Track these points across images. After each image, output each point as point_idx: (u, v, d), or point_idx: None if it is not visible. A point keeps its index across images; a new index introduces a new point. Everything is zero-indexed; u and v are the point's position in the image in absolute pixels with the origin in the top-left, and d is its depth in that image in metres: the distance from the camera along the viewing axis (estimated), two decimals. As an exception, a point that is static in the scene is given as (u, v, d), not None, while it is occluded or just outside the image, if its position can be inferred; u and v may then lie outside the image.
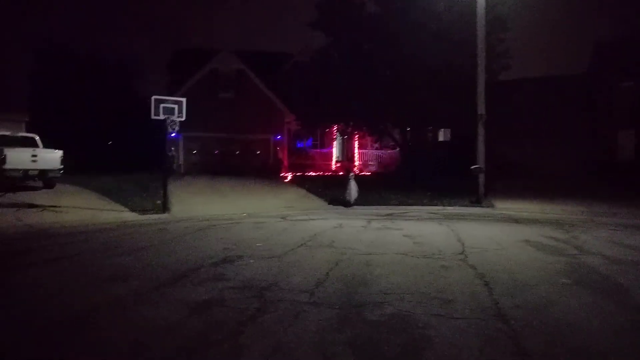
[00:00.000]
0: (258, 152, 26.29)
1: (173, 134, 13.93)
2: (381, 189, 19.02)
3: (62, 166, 16.26)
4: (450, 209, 15.18)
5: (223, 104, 25.35)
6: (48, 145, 17.52)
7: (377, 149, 30.37)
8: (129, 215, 13.44)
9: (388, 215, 13.20)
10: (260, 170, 24.12)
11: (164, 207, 14.20)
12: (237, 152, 26.07)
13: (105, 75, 31.12)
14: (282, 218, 12.48)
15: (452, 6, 21.17)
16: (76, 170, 24.81)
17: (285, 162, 26.19)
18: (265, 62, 28.46)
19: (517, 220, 11.86)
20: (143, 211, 14.04)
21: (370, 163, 29.27)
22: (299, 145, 28.76)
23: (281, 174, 23.81)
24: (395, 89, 20.41)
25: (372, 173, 26.70)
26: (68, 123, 29.75)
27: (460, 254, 7.12)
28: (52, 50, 32.13)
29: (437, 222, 11.31)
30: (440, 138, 30.69)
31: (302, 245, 7.96)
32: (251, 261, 6.78)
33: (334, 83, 21.09)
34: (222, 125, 25.30)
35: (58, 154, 16.15)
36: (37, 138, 17.12)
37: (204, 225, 11.08)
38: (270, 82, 26.69)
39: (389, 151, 29.91)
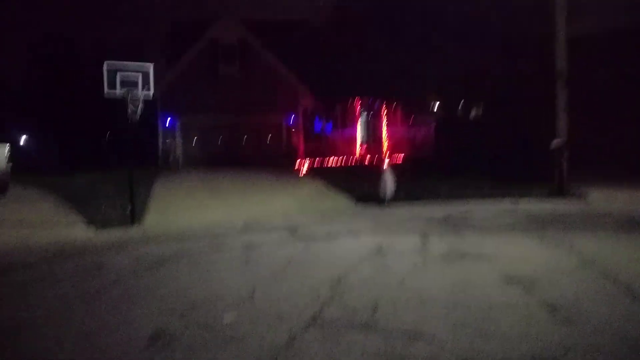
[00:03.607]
0: (269, 138, 22.25)
1: (137, 116, 10.01)
2: (422, 176, 14.83)
3: (9, 164, 12.61)
4: (527, 204, 10.90)
5: (225, 81, 21.33)
6: (35, 141, 14.04)
7: (408, 127, 25.94)
8: (79, 233, 9.64)
9: (445, 219, 9.03)
10: (271, 159, 20.15)
11: (132, 218, 10.35)
12: (244, 140, 22.07)
13: (97, 63, 27.35)
14: (290, 232, 8.46)
15: None
16: (62, 167, 21.40)
17: (301, 149, 22.10)
18: (274, 31, 24.16)
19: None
20: (104, 224, 10.24)
21: (402, 144, 24.87)
22: (317, 126, 24.58)
23: (296, 164, 19.79)
24: (437, 46, 16.03)
25: (406, 156, 22.37)
26: (58, 116, 26.39)
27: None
28: (44, 42, 28.61)
29: (533, 233, 7.12)
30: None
31: (312, 321, 3.90)
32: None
33: (359, 41, 16.79)
34: (225, 108, 21.32)
35: (2, 149, 12.47)
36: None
37: (169, 253, 7.16)
38: (281, 54, 22.48)
39: (424, 130, 25.43)
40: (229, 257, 6.68)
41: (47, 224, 10.40)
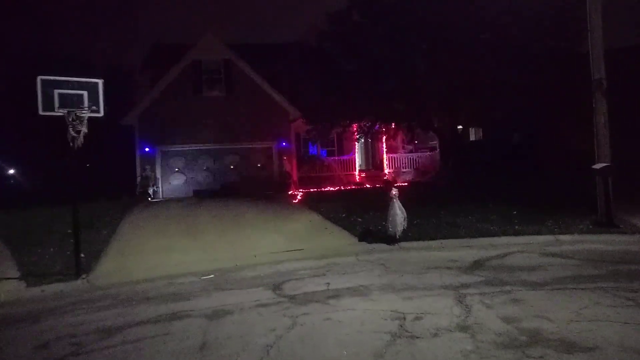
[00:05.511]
0: (259, 165, 20.16)
1: (80, 142, 7.95)
2: (433, 206, 12.71)
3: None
4: (574, 241, 8.78)
5: (209, 104, 19.40)
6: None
7: (410, 151, 23.95)
8: (2, 291, 7.46)
9: (478, 266, 6.89)
10: (261, 188, 18.03)
11: (77, 270, 8.18)
12: (232, 167, 19.96)
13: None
14: (274, 289, 6.31)
15: None
16: (25, 200, 19.12)
17: (294, 176, 20.01)
18: (261, 53, 22.50)
19: None
20: (42, 277, 8.08)
21: (403, 170, 22.82)
22: (311, 152, 22.57)
23: (289, 192, 17.68)
24: (444, 59, 14.14)
25: (410, 183, 20.30)
26: (24, 145, 24.46)
27: None
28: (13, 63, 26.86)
29: (620, 293, 5.00)
30: (472, 137, 24.14)
31: None
32: None
33: (356, 54, 14.88)
34: (210, 132, 19.37)
35: None
36: None
37: (100, 328, 5.00)
38: (270, 76, 20.67)
39: (427, 153, 23.43)
40: (180, 337, 4.50)
41: (-33, 277, 8.22)
